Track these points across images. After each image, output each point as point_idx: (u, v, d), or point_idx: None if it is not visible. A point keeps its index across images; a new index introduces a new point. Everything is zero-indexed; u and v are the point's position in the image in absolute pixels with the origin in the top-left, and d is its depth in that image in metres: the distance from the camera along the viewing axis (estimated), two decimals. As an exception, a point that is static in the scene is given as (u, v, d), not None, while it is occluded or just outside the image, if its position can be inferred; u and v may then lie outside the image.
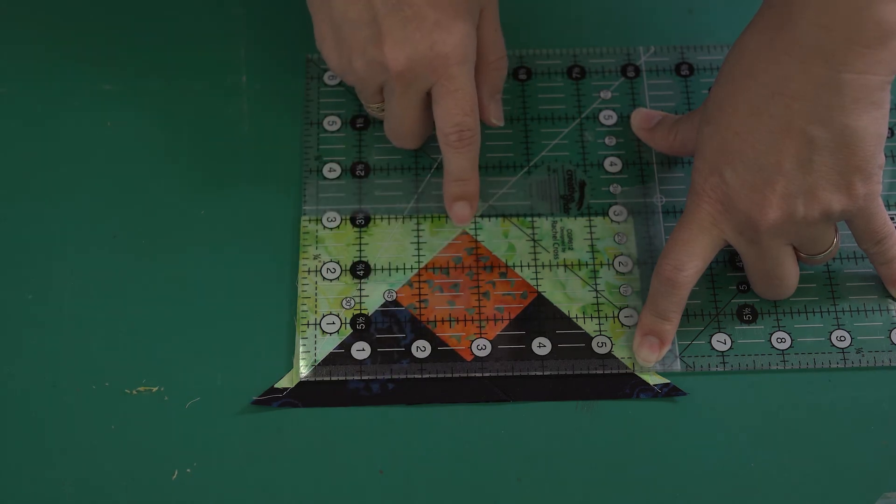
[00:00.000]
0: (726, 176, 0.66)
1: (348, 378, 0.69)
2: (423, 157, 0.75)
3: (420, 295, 0.71)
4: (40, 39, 0.79)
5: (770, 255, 0.67)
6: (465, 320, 0.71)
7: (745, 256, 0.68)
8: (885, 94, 0.63)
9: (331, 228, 0.73)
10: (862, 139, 0.63)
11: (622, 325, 0.71)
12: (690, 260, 0.67)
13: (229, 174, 0.75)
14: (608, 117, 0.77)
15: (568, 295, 0.71)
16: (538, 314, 0.71)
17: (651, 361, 0.69)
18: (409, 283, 0.72)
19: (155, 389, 0.69)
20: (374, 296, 0.71)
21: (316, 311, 0.71)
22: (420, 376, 0.69)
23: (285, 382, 0.69)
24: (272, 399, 0.68)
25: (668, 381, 0.69)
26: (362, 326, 0.70)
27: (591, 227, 0.73)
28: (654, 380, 0.69)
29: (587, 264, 0.72)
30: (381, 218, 0.74)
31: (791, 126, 0.64)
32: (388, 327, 0.70)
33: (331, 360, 0.69)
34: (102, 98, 0.77)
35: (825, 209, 0.65)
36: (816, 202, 0.65)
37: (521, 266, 0.72)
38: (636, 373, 0.69)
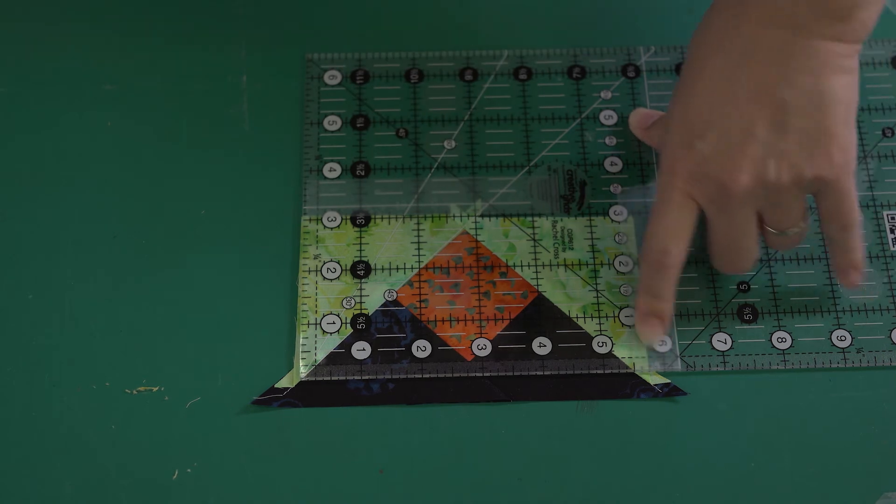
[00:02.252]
0: (697, 147, 0.65)
1: (348, 378, 0.69)
2: (424, 157, 0.75)
3: (420, 295, 0.71)
4: (40, 39, 0.79)
5: (738, 222, 0.66)
6: (465, 320, 0.70)
7: (712, 225, 0.67)
8: (853, 62, 0.64)
9: (331, 228, 0.73)
10: (833, 101, 0.63)
11: (623, 324, 0.70)
12: (675, 243, 0.67)
13: (229, 174, 0.75)
14: (608, 117, 0.77)
15: (568, 295, 0.71)
16: (538, 314, 0.71)
17: (655, 339, 0.69)
18: (410, 283, 0.72)
19: (155, 389, 0.69)
20: (375, 295, 0.71)
21: (316, 311, 0.71)
22: (420, 376, 0.69)
23: (285, 382, 0.69)
24: (272, 399, 0.68)
25: (669, 381, 0.69)
26: (362, 326, 0.70)
27: (591, 226, 0.73)
28: (654, 380, 0.69)
29: (587, 264, 0.72)
30: (382, 218, 0.74)
31: (761, 91, 0.63)
32: (388, 327, 0.70)
33: (331, 359, 0.69)
34: (102, 98, 0.77)
35: (797, 173, 0.64)
36: (788, 165, 0.64)
37: (522, 266, 0.72)
38: (636, 372, 0.69)
